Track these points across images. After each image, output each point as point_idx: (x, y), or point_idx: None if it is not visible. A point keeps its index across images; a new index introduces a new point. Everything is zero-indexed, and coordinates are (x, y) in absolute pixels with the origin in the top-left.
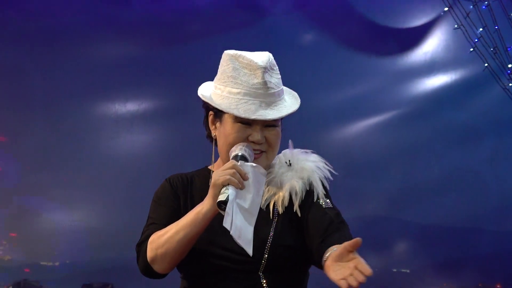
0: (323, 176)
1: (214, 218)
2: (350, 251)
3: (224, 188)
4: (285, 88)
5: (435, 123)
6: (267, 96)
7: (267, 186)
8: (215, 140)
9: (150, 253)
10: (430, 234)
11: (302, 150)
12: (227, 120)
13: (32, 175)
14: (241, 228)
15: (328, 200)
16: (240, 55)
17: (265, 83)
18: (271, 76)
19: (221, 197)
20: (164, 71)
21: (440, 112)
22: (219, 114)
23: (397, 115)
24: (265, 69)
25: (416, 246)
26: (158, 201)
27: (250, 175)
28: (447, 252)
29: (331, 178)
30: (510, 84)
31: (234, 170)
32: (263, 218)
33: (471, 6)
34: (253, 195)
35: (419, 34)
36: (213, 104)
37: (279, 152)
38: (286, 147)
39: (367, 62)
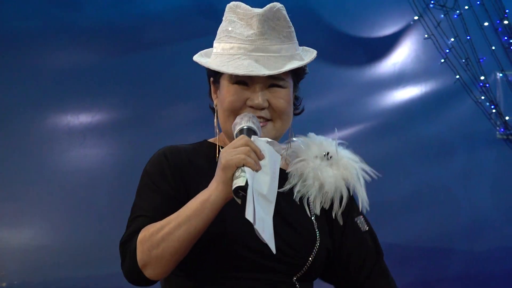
0: (368, 181)
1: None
2: None
3: (239, 170)
4: (304, 47)
5: (405, 137)
6: (266, 49)
7: (299, 176)
8: (217, 111)
9: (141, 255)
10: (399, 254)
11: (337, 140)
12: (223, 82)
13: None
14: (263, 220)
15: (363, 219)
16: (238, 5)
17: (261, 33)
18: (273, 27)
19: (239, 182)
20: (119, 81)
21: (410, 125)
22: (217, 77)
23: (364, 129)
24: (264, 17)
25: None
26: (149, 184)
27: (266, 154)
28: (417, 272)
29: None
30: (483, 97)
31: (248, 148)
32: (300, 214)
33: (442, 15)
34: (271, 178)
35: (388, 44)
36: (201, 63)
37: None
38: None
39: (333, 73)
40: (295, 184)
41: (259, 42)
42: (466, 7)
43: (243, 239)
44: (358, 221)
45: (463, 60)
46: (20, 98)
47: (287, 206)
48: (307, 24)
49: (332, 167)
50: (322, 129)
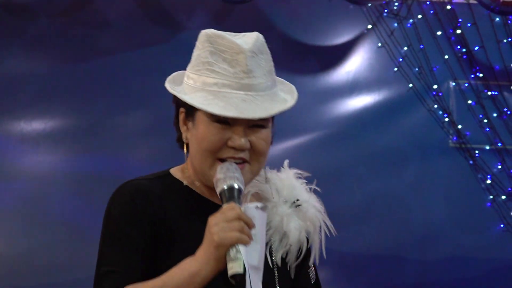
0: (323, 233)
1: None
2: None
3: (234, 249)
4: (278, 78)
5: (358, 145)
6: (253, 88)
7: (267, 224)
8: (187, 144)
9: None
10: (351, 262)
11: (301, 178)
12: (201, 119)
13: None
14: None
15: (312, 268)
16: (220, 35)
17: (249, 70)
18: (258, 62)
19: (236, 267)
20: (73, 88)
21: (363, 134)
22: (191, 111)
23: (317, 137)
24: (251, 53)
25: (336, 274)
26: (116, 232)
27: (256, 221)
28: (369, 281)
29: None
30: (436, 106)
31: (242, 223)
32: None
33: (396, 24)
34: (260, 246)
35: (341, 52)
36: (182, 99)
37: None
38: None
39: (287, 80)
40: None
41: (246, 81)
42: (420, 16)
43: None
44: (310, 271)
45: (416, 69)
46: None
47: None
48: (260, 31)
49: (298, 216)
50: (274, 137)
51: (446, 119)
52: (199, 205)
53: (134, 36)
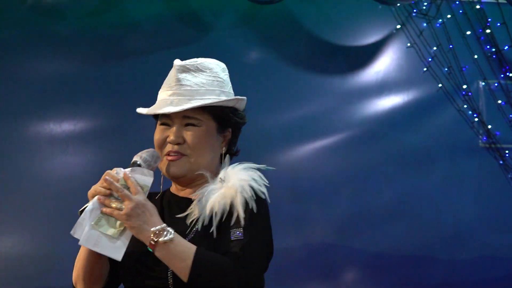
0: (250, 197)
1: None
2: None
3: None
4: (237, 97)
5: (387, 145)
6: (181, 94)
7: (196, 202)
8: None
9: (73, 276)
10: (380, 263)
11: (245, 166)
12: (157, 126)
13: None
14: (100, 237)
15: (241, 230)
16: (177, 61)
17: (178, 80)
18: (194, 75)
19: (83, 207)
20: (101, 89)
21: (392, 134)
22: (155, 122)
23: (347, 137)
24: (183, 68)
25: (365, 275)
26: None
27: (132, 180)
28: (398, 281)
29: (263, 197)
30: (465, 106)
31: (102, 180)
32: (180, 232)
33: (425, 24)
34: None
35: (370, 53)
36: (139, 112)
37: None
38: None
39: (315, 81)
40: (193, 209)
41: (175, 87)
42: (449, 16)
43: (135, 255)
44: (231, 231)
45: (446, 69)
46: (2, 106)
47: (177, 228)
48: (289, 33)
49: (222, 189)
50: (305, 136)
51: (476, 119)
52: (170, 200)
53: (162, 36)
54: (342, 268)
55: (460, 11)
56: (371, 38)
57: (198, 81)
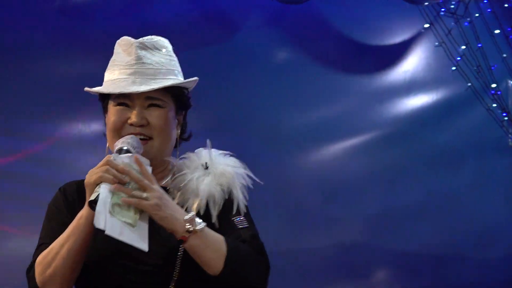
0: (245, 185)
1: None
2: None
3: (98, 187)
4: (190, 79)
5: (416, 145)
6: (143, 73)
7: (181, 190)
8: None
9: (38, 276)
10: (410, 262)
11: (220, 152)
12: (109, 107)
13: None
14: (119, 225)
15: (243, 218)
16: (123, 38)
17: (139, 57)
18: (152, 54)
19: (92, 197)
20: None
21: (421, 133)
22: (104, 103)
23: (375, 137)
24: (142, 45)
25: (394, 274)
26: (48, 216)
27: (129, 166)
28: (428, 280)
29: (252, 187)
30: (494, 105)
31: (107, 167)
32: None
33: (453, 23)
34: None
35: (398, 52)
36: (88, 90)
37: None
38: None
39: (344, 80)
40: (174, 198)
41: (136, 66)
42: (477, 15)
43: (122, 250)
44: (235, 220)
45: (474, 68)
46: (32, 108)
47: None
48: (318, 32)
49: (209, 176)
50: (334, 135)
51: (505, 118)
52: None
53: (190, 36)
54: (371, 268)
55: (488, 10)
56: (399, 38)
57: (158, 60)
